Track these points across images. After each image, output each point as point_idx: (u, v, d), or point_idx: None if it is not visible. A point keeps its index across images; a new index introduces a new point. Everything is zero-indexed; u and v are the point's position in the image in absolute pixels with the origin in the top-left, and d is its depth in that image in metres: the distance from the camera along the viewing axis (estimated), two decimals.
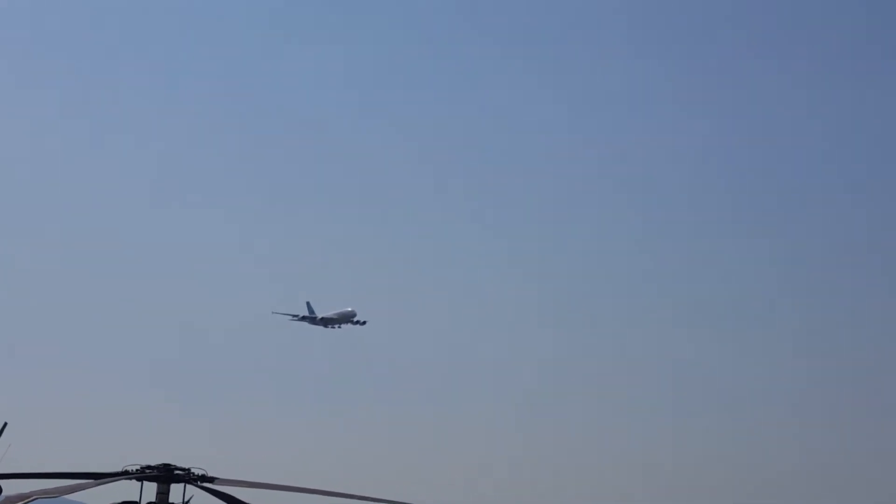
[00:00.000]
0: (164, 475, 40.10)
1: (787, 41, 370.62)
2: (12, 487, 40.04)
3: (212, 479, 40.50)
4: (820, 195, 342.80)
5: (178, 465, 40.39)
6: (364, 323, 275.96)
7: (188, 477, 40.41)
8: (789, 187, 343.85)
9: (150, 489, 40.22)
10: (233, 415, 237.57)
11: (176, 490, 40.60)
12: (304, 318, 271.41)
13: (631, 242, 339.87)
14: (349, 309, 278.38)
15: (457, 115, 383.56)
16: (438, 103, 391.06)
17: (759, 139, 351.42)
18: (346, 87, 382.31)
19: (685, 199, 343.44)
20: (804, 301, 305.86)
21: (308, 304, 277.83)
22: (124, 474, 39.61)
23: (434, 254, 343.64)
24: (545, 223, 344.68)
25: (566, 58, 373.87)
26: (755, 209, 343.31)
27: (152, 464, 40.02)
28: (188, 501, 40.99)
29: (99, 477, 39.20)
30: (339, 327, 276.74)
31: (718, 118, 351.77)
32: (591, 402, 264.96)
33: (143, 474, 39.80)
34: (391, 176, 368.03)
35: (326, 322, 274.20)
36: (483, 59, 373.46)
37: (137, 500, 39.71)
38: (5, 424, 43.84)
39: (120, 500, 39.67)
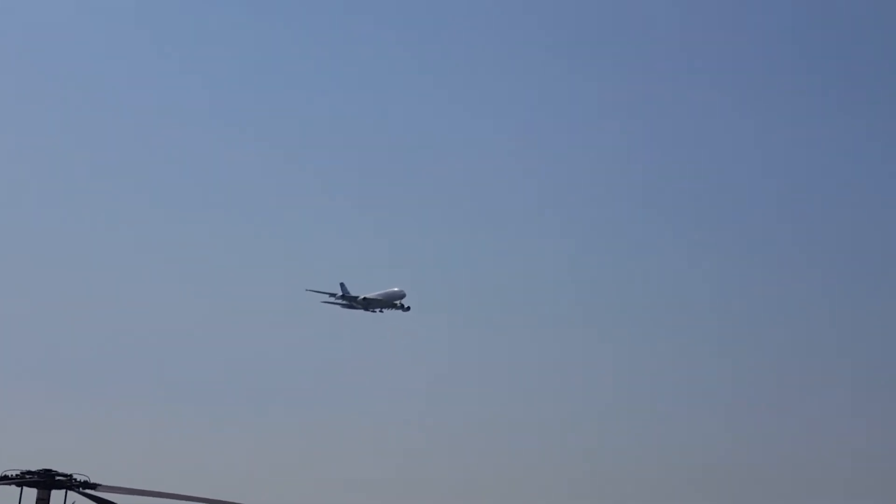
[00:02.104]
0: (45, 481, 38.40)
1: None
2: None
3: (94, 486, 38.65)
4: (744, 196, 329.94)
5: (60, 470, 38.46)
6: (409, 308, 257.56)
7: (70, 483, 38.66)
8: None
9: (30, 495, 38.33)
10: (124, 418, 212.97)
11: (57, 496, 38.70)
12: (343, 298, 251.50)
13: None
14: (396, 289, 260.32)
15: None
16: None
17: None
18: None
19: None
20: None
21: (343, 285, 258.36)
22: (2, 479, 37.88)
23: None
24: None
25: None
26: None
27: (32, 468, 38.18)
28: None
29: None
30: (382, 311, 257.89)
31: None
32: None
33: (22, 479, 38.12)
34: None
35: (369, 304, 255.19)
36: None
37: None
38: None
39: None
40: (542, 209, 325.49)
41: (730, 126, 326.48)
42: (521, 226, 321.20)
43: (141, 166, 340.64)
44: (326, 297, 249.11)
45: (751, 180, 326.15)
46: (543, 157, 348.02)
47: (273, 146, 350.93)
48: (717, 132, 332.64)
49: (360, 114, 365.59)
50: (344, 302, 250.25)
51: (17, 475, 38.06)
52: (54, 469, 38.67)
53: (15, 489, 38.20)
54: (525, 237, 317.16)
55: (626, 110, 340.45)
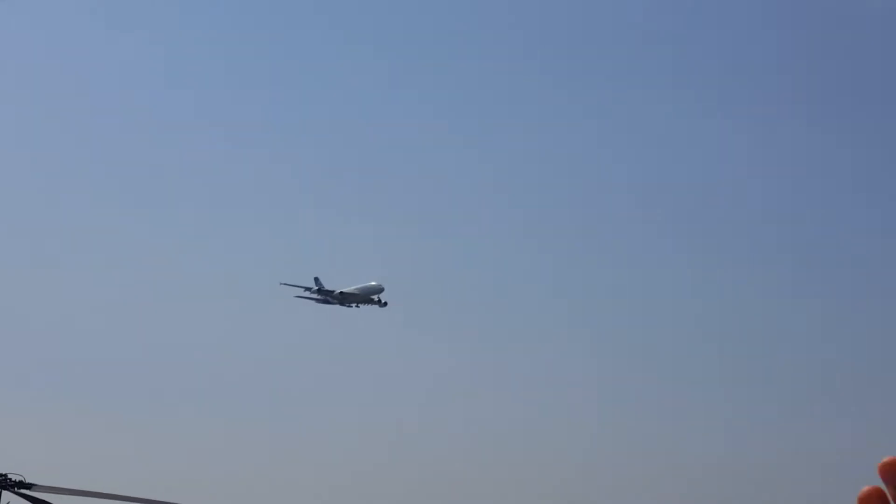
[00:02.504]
0: None
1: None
2: None
3: (30, 486, 35.29)
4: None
5: None
6: (385, 304, 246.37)
7: (4, 483, 35.21)
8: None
9: None
10: (69, 416, 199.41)
11: None
12: (318, 292, 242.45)
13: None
14: (373, 283, 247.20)
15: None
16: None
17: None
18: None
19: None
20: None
21: (317, 279, 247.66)
22: None
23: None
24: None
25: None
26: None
27: None
28: None
29: None
30: (358, 307, 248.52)
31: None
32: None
33: None
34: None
35: (345, 298, 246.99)
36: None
37: None
38: None
39: None
40: (527, 206, 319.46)
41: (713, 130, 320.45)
42: (500, 224, 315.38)
43: (105, 157, 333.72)
44: (300, 292, 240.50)
45: (737, 184, 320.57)
46: (525, 154, 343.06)
47: (250, 140, 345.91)
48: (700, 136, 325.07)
49: (335, 110, 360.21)
50: (318, 297, 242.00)
51: None
52: None
53: None
54: (505, 235, 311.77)
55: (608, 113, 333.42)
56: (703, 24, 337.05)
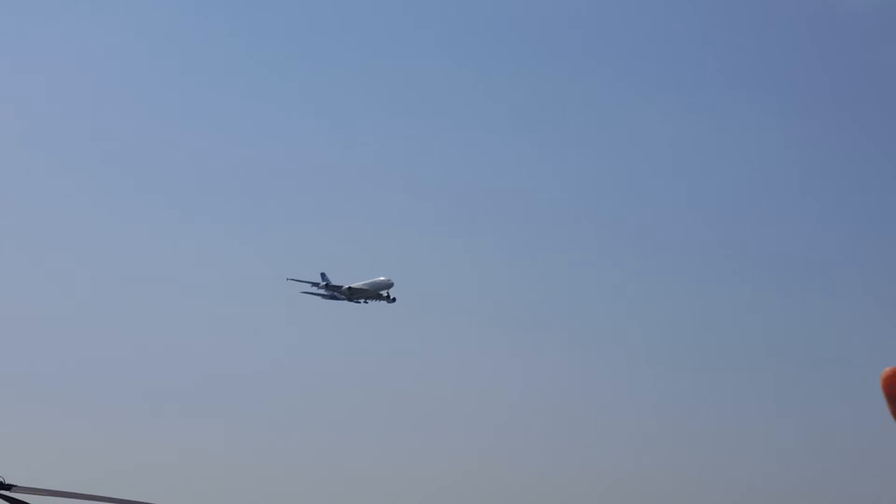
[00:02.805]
0: None
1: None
2: None
3: (9, 487, 32.50)
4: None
5: None
6: (394, 300, 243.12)
7: None
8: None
9: None
10: (56, 416, 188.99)
11: None
12: (327, 287, 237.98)
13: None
14: (382, 278, 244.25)
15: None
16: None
17: None
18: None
19: None
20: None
21: (324, 274, 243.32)
22: None
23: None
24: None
25: None
26: None
27: None
28: None
29: None
30: (367, 302, 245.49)
31: None
32: None
33: None
34: None
35: (353, 294, 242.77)
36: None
37: None
38: None
39: None
40: (544, 202, 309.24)
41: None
42: (509, 219, 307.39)
43: (115, 156, 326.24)
44: (307, 288, 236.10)
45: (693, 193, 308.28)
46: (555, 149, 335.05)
47: (258, 136, 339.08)
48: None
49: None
50: (325, 292, 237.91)
51: None
52: None
53: None
54: (514, 230, 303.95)
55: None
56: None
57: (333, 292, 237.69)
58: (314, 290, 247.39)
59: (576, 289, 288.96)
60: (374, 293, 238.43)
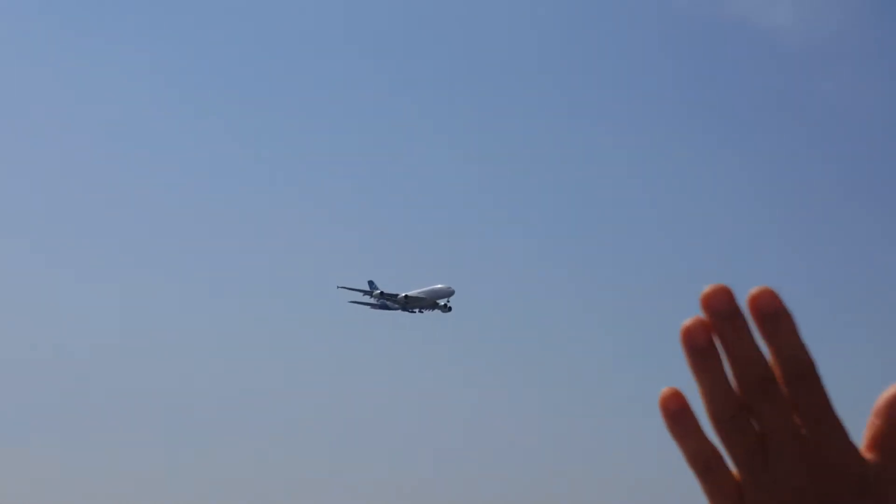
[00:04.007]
0: None
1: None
2: None
3: None
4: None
5: None
6: (450, 308, 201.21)
7: None
8: None
9: None
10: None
11: None
12: (381, 296, 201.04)
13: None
14: (442, 286, 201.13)
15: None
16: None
17: None
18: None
19: None
20: None
21: (372, 283, 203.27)
22: None
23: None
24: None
25: None
26: None
27: None
28: None
29: None
30: (422, 312, 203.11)
31: None
32: None
33: None
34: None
35: (410, 303, 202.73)
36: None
37: None
38: None
39: None
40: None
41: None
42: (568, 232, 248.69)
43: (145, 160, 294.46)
44: (359, 297, 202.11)
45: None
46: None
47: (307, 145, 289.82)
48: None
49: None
50: (375, 301, 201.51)
51: None
52: None
53: None
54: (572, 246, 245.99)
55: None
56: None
57: (385, 301, 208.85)
58: (365, 299, 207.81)
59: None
60: (431, 302, 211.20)
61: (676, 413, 1.27)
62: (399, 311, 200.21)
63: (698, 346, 1.25)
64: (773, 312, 1.19)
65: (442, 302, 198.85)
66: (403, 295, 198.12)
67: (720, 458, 1.27)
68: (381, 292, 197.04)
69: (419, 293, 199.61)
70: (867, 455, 1.21)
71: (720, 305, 1.24)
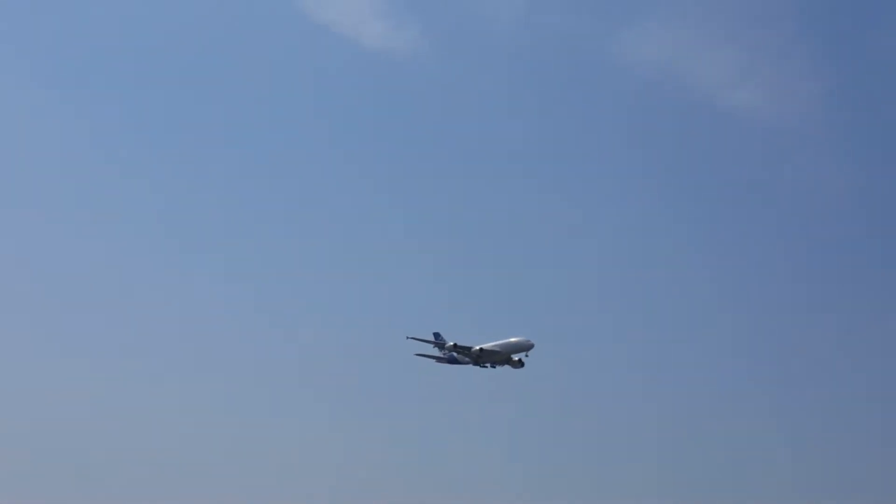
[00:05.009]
0: None
1: None
2: None
3: None
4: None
5: None
6: (523, 364, 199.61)
7: None
8: None
9: None
10: None
11: None
12: (455, 349, 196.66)
13: None
14: (519, 339, 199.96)
15: None
16: None
17: None
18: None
19: None
20: None
21: (437, 334, 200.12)
22: None
23: None
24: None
25: None
26: None
27: None
28: None
29: None
30: (494, 366, 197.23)
31: None
32: None
33: None
34: None
35: (483, 358, 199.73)
36: None
37: None
38: None
39: None
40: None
41: None
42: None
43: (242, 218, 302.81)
44: (430, 349, 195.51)
45: None
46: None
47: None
48: None
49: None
50: (443, 354, 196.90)
51: None
52: None
53: None
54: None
55: None
56: None
57: (453, 353, 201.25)
58: (432, 351, 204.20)
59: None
60: (505, 356, 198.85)
61: None
62: (468, 366, 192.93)
63: None
64: None
65: (516, 357, 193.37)
66: (478, 348, 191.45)
67: None
68: (455, 344, 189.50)
69: (494, 346, 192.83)
70: None
71: None
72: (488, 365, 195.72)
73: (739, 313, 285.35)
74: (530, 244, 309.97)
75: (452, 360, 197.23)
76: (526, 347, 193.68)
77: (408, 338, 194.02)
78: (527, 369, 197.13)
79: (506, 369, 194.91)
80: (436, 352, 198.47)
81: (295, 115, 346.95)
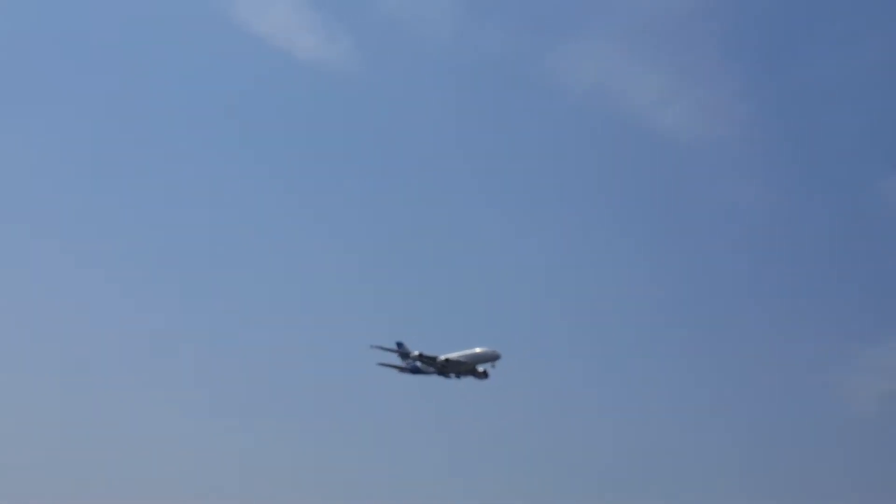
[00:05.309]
0: None
1: None
2: None
3: None
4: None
5: None
6: (487, 375, 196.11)
7: None
8: None
9: None
10: None
11: None
12: (420, 358, 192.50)
13: None
14: (483, 349, 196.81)
15: None
16: None
17: None
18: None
19: None
20: None
21: (401, 344, 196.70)
22: None
23: None
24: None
25: None
26: None
27: None
28: None
29: None
30: (458, 377, 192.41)
31: None
32: None
33: None
34: None
35: (448, 368, 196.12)
36: None
37: None
38: None
39: None
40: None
41: None
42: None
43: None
44: (389, 358, 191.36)
45: None
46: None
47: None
48: None
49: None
50: (406, 364, 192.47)
51: None
52: None
53: None
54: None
55: None
56: None
57: (418, 364, 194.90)
58: (397, 362, 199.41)
59: None
60: (470, 367, 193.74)
61: None
62: (432, 376, 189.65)
63: None
64: None
65: (481, 368, 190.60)
66: (444, 358, 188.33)
67: None
68: (420, 354, 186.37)
69: (460, 356, 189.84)
70: None
71: None
72: (452, 375, 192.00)
73: (663, 326, 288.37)
74: (460, 252, 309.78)
75: (415, 370, 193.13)
76: (492, 358, 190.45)
77: (371, 346, 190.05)
78: (491, 381, 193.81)
79: (470, 380, 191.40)
80: (399, 361, 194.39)
81: (221, 125, 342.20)
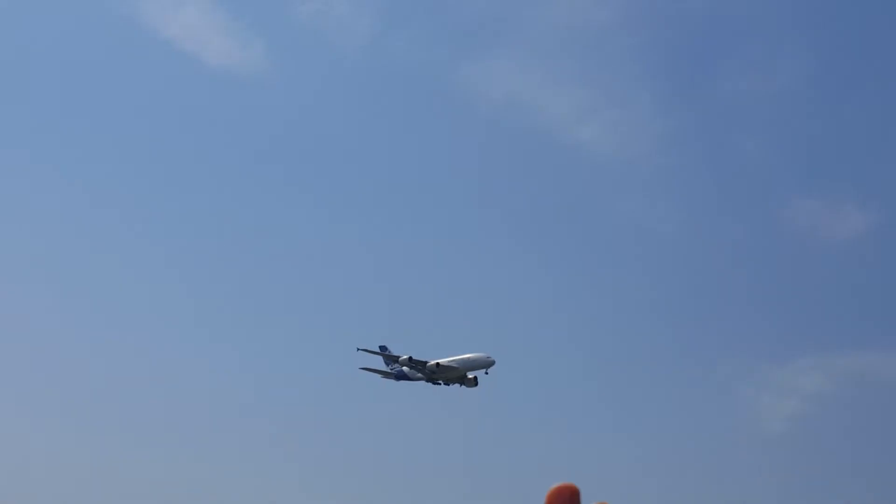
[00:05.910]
0: None
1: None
2: None
3: None
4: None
5: None
6: (476, 383, 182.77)
7: None
8: None
9: None
10: None
11: None
12: (410, 362, 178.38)
13: None
14: (477, 355, 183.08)
15: None
16: None
17: None
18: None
19: None
20: None
21: (384, 347, 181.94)
22: None
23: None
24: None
25: None
26: None
27: None
28: None
29: None
30: (447, 384, 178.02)
31: None
32: None
33: None
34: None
35: (438, 374, 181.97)
36: None
37: None
38: None
39: None
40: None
41: None
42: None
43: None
44: (377, 362, 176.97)
45: None
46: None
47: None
48: None
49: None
50: (390, 369, 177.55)
51: None
52: None
53: None
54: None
55: None
56: None
57: (403, 369, 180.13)
58: (381, 365, 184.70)
59: None
60: (461, 373, 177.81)
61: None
62: (419, 382, 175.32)
63: None
64: None
65: (472, 374, 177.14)
66: (434, 362, 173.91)
67: None
68: (410, 358, 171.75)
69: (451, 361, 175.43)
70: None
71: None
72: (441, 382, 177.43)
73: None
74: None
75: (400, 376, 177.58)
76: (485, 364, 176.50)
77: (358, 349, 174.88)
78: (480, 388, 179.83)
79: (457, 387, 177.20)
80: (383, 366, 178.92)
81: (126, 131, 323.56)
